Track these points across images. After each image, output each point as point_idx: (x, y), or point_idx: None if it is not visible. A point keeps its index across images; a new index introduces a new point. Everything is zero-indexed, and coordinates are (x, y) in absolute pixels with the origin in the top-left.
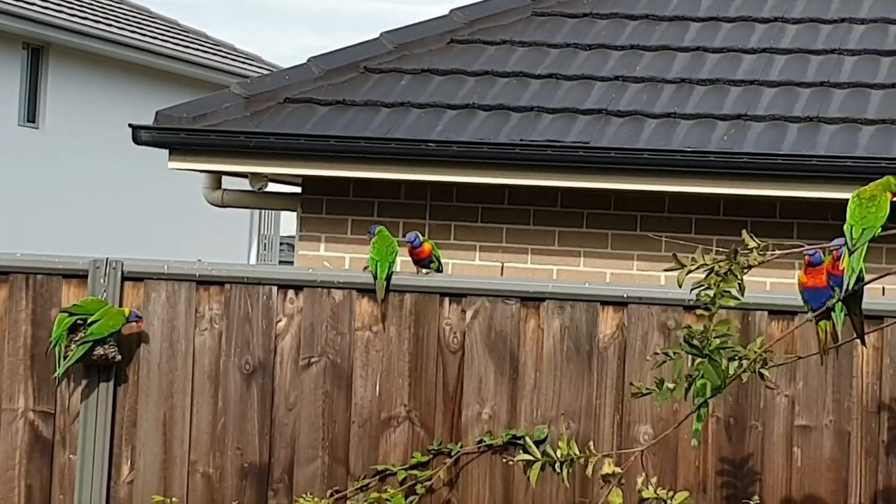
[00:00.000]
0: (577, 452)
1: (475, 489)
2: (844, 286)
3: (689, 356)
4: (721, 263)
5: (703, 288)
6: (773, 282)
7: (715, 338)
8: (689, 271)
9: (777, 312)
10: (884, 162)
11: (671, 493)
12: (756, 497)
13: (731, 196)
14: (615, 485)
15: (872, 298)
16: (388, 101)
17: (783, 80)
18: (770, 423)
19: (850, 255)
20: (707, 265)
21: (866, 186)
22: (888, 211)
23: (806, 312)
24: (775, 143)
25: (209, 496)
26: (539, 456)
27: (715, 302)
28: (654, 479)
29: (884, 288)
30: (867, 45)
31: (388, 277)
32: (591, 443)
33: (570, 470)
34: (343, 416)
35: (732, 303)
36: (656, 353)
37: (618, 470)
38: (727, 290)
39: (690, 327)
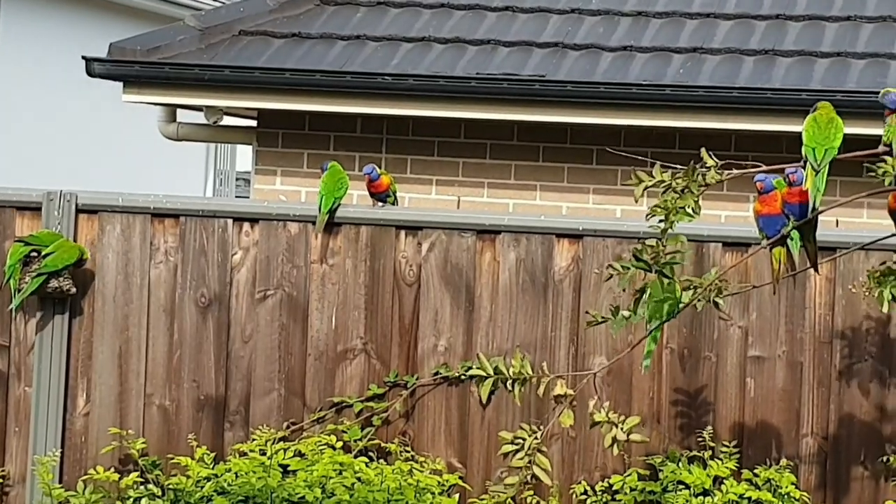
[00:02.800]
0: (530, 372)
1: (431, 421)
2: (811, 206)
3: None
4: (678, 180)
5: (658, 207)
6: (728, 214)
7: (666, 254)
8: (647, 187)
9: (731, 244)
10: (839, 95)
11: (622, 418)
12: (709, 427)
13: (687, 129)
14: (567, 406)
15: (826, 230)
16: (344, 34)
17: (739, 13)
18: (724, 353)
19: (815, 175)
20: (665, 181)
21: (819, 111)
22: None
23: (760, 243)
24: (731, 76)
25: (165, 429)
26: (491, 372)
27: (669, 218)
28: (606, 404)
29: (837, 220)
30: None
31: (333, 211)
32: (543, 364)
33: (523, 389)
34: (299, 349)
35: (686, 220)
36: (608, 266)
37: (570, 391)
38: (682, 206)
39: (643, 241)
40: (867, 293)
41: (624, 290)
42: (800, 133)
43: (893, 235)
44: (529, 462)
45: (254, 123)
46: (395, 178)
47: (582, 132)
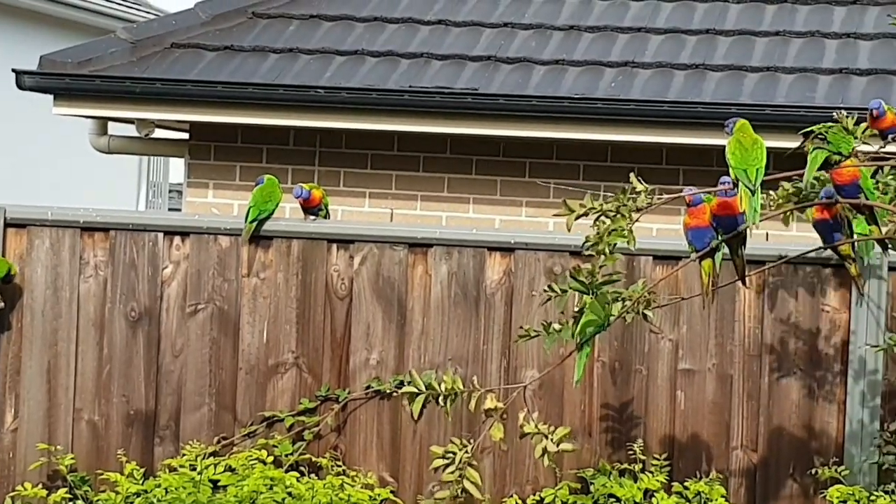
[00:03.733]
0: (462, 387)
1: (363, 435)
2: (750, 224)
3: (577, 294)
4: (610, 206)
5: (594, 233)
6: (660, 227)
7: (601, 275)
8: (578, 216)
9: (661, 257)
10: (768, 109)
11: (553, 429)
12: (640, 440)
13: (619, 142)
14: (497, 419)
15: (755, 243)
16: (277, 47)
17: (669, 28)
18: (654, 366)
19: (751, 196)
20: (596, 209)
21: (740, 132)
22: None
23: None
24: (662, 89)
25: (94, 444)
26: (423, 388)
27: (602, 239)
28: (536, 415)
29: (767, 233)
30: None
31: (260, 223)
32: (475, 378)
33: (454, 404)
34: (230, 363)
35: (620, 241)
36: (544, 290)
37: (500, 405)
38: (615, 228)
39: (578, 266)
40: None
41: (563, 313)
42: None
43: (820, 248)
44: (460, 476)
45: (186, 136)
46: (328, 192)
47: (515, 145)
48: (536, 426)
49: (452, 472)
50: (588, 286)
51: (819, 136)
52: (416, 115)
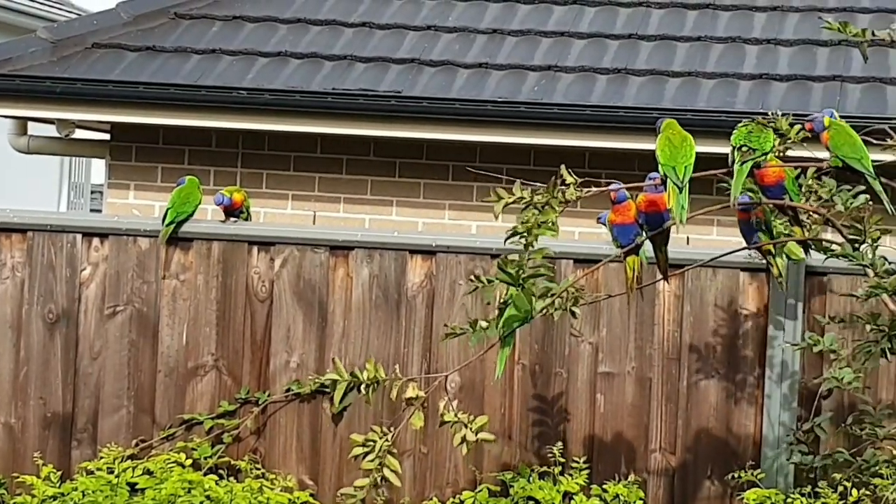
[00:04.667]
0: (384, 376)
1: (283, 437)
2: (677, 220)
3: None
4: (539, 196)
5: (521, 223)
6: (583, 231)
7: (530, 267)
8: (507, 204)
9: (582, 261)
10: (689, 114)
11: (472, 417)
12: (560, 443)
13: (542, 146)
14: (418, 408)
15: (676, 247)
16: (199, 48)
17: (592, 32)
18: (574, 369)
19: (679, 193)
20: (525, 198)
21: (669, 130)
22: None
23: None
24: (584, 94)
25: (11, 447)
26: (346, 377)
27: (532, 233)
28: (455, 403)
29: (688, 237)
30: (674, 0)
31: (178, 225)
32: (397, 367)
33: (374, 389)
34: (149, 366)
35: (549, 234)
36: (470, 279)
37: (421, 393)
38: (544, 220)
39: (507, 255)
40: None
41: (489, 304)
42: (652, 151)
43: (739, 250)
44: (380, 465)
45: (107, 137)
46: (251, 193)
47: (438, 148)
48: (456, 415)
49: (372, 461)
50: (515, 278)
51: (745, 148)
52: (339, 117)
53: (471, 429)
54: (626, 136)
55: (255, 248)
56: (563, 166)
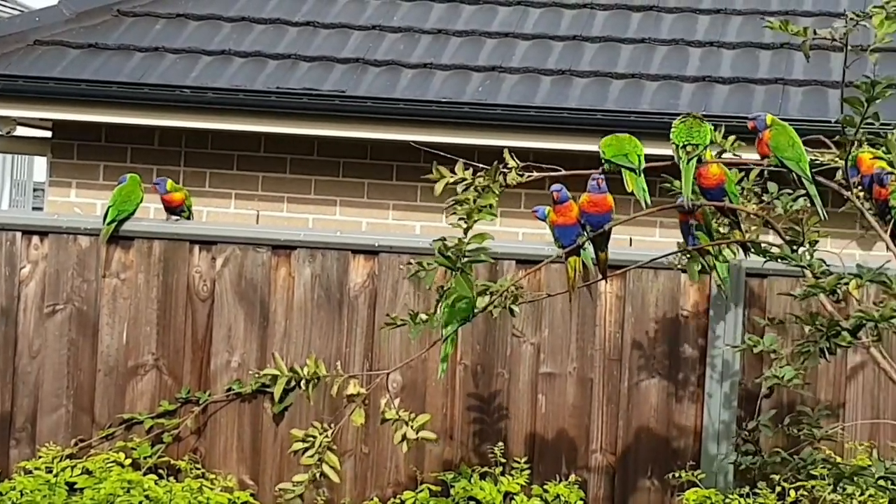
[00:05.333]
0: (324, 372)
1: (223, 437)
2: (642, 202)
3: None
4: (480, 179)
5: (459, 203)
6: (526, 232)
7: (468, 250)
8: (448, 183)
9: (524, 261)
10: (633, 115)
11: (413, 416)
12: (501, 443)
13: (486, 147)
14: (359, 405)
15: (618, 248)
16: (143, 46)
17: (537, 34)
18: (516, 370)
19: (637, 176)
20: (466, 179)
21: (611, 138)
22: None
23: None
24: (529, 95)
25: None
26: (286, 373)
27: (471, 216)
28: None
29: (630, 238)
30: (619, 2)
31: (119, 223)
32: (338, 364)
33: (315, 385)
34: (89, 365)
35: (488, 217)
36: (409, 264)
37: (362, 390)
38: (485, 205)
39: (444, 238)
40: None
41: (430, 287)
42: (596, 152)
43: (675, 252)
44: (319, 460)
45: (48, 134)
46: (193, 192)
47: (382, 148)
48: (397, 412)
49: (312, 456)
50: (454, 261)
51: (689, 146)
52: (283, 116)
53: (412, 426)
54: (570, 137)
55: (196, 248)
56: (506, 150)
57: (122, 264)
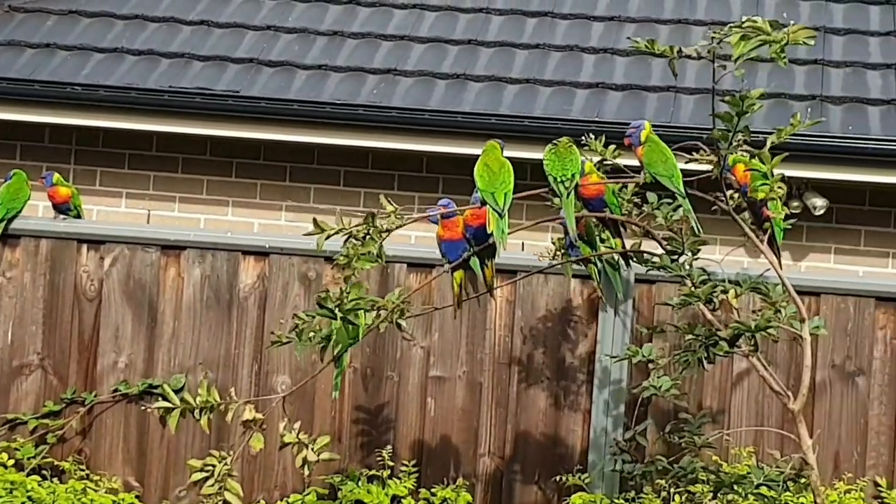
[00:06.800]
0: (217, 399)
1: (109, 438)
2: (498, 249)
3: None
4: (359, 228)
5: (342, 256)
6: (419, 235)
7: (350, 300)
8: (329, 236)
9: (416, 265)
10: (526, 120)
11: (313, 438)
12: (390, 446)
13: (380, 149)
14: (256, 430)
15: (509, 253)
16: (33, 42)
17: (432, 37)
18: (406, 373)
19: (500, 219)
20: (346, 230)
21: (488, 155)
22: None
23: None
24: (423, 98)
25: None
26: (178, 403)
27: (351, 264)
28: (289, 422)
29: (523, 243)
30: (514, 6)
31: (8, 221)
32: (232, 390)
33: (210, 417)
34: None
35: (369, 265)
36: (295, 315)
37: (259, 416)
38: (364, 252)
39: (328, 291)
40: None
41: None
42: None
43: (561, 263)
44: (220, 488)
45: None
46: (84, 191)
47: (275, 149)
48: (297, 436)
49: (212, 486)
50: (335, 313)
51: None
52: (175, 115)
53: (312, 449)
54: (464, 142)
55: (84, 247)
56: (382, 196)
57: (9, 263)
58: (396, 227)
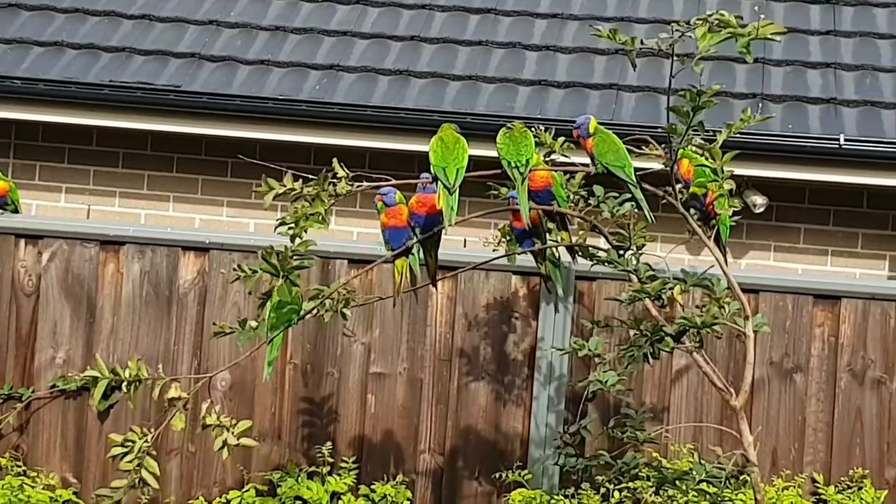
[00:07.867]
0: (146, 374)
1: (47, 434)
2: (446, 223)
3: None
4: (310, 188)
5: (289, 216)
6: (361, 231)
7: (294, 258)
8: (277, 194)
9: (357, 261)
10: (469, 117)
11: (235, 422)
12: (330, 443)
13: (322, 145)
14: (180, 409)
15: (450, 249)
16: None
17: (375, 33)
18: (346, 369)
19: (449, 195)
20: (295, 189)
21: (444, 132)
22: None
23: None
24: (366, 94)
25: None
26: (107, 374)
27: (299, 224)
28: (226, 417)
29: (465, 240)
30: (456, 3)
31: None
32: (160, 367)
33: (137, 392)
34: None
35: (317, 226)
36: (234, 269)
37: (184, 394)
38: (313, 213)
39: (272, 247)
40: None
41: (251, 293)
42: None
43: (506, 255)
44: (138, 465)
45: None
46: (22, 185)
47: (217, 144)
48: (218, 418)
49: (131, 461)
50: (279, 269)
51: (521, 165)
52: (116, 110)
53: (233, 433)
54: (406, 138)
55: (22, 241)
56: (335, 160)
57: None
58: (347, 193)
